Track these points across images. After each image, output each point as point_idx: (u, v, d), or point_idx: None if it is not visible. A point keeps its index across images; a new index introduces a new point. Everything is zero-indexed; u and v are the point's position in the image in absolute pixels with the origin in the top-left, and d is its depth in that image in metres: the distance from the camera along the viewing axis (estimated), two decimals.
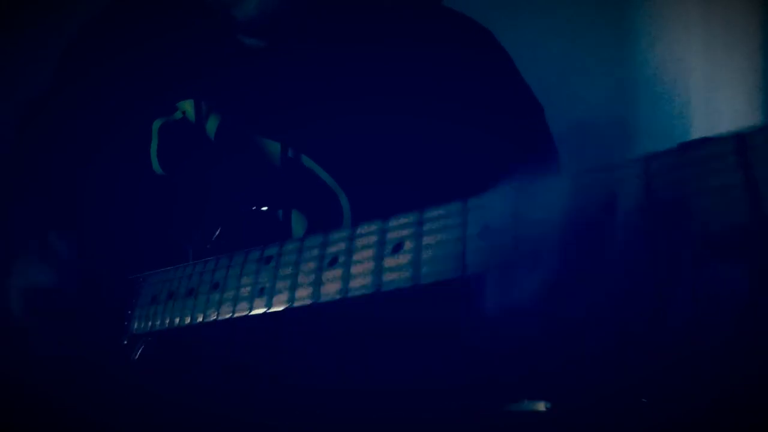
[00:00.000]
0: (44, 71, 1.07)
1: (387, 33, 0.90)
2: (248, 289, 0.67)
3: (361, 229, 0.60)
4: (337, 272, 0.60)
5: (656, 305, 0.58)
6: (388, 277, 0.57)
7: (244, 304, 0.67)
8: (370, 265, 0.58)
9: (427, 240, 0.56)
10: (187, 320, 0.73)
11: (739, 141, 0.42)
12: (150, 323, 0.78)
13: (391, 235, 0.58)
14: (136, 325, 0.80)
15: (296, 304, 0.62)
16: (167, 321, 0.76)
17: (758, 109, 1.14)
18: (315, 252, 0.63)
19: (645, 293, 0.53)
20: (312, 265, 0.62)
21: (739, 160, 0.41)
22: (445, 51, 0.89)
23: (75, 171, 0.98)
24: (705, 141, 0.44)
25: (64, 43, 1.05)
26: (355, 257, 0.59)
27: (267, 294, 0.65)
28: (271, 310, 0.64)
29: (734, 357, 0.75)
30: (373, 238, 0.59)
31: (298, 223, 0.84)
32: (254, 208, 0.85)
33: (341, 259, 0.60)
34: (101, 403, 0.80)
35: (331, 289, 0.60)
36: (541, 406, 0.68)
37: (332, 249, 0.61)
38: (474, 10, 0.95)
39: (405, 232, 0.57)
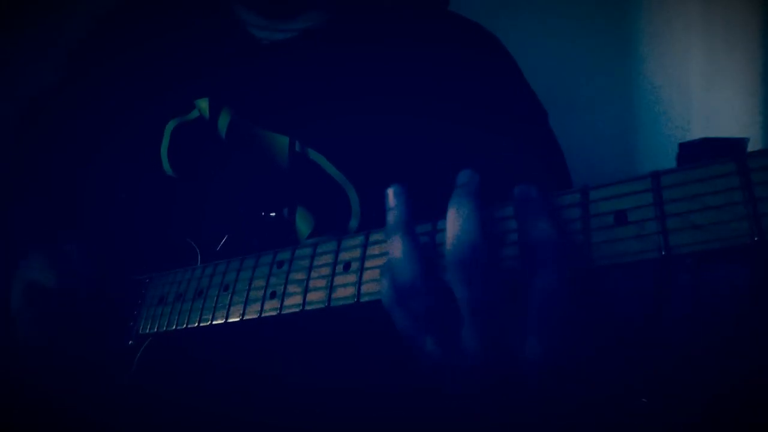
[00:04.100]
0: (44, 71, 1.07)
1: (392, 33, 0.91)
2: (260, 292, 0.68)
3: (376, 236, 0.61)
4: (351, 278, 0.61)
5: (656, 303, 0.59)
6: None
7: (255, 306, 0.67)
8: None
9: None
10: (196, 322, 0.73)
11: (741, 162, 0.43)
12: (156, 324, 0.78)
13: None
14: (141, 326, 0.80)
15: (308, 307, 0.63)
16: (175, 322, 0.76)
17: (758, 109, 1.14)
18: (328, 257, 0.63)
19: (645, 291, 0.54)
20: (325, 270, 0.63)
21: (741, 180, 0.43)
22: (450, 51, 0.89)
23: (75, 171, 0.98)
24: (705, 142, 0.46)
25: (65, 44, 1.05)
26: (369, 264, 0.60)
27: (278, 297, 0.65)
28: (283, 313, 0.64)
29: (734, 356, 0.76)
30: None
31: (303, 223, 0.84)
32: (263, 213, 0.85)
33: (354, 265, 0.61)
34: (104, 403, 0.80)
35: (343, 294, 0.61)
36: None
37: (346, 255, 0.62)
38: (476, 13, 0.95)
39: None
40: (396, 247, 0.55)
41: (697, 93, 1.19)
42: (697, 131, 1.18)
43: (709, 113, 1.18)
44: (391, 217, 0.57)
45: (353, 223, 0.84)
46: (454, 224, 0.52)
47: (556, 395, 0.56)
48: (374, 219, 0.76)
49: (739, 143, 0.46)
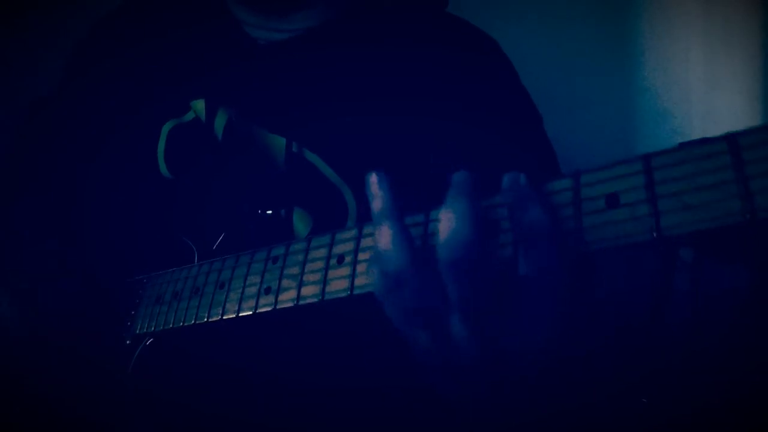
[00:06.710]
0: (44, 72, 1.07)
1: (390, 34, 0.91)
2: (255, 288, 0.68)
3: (369, 229, 0.61)
4: (344, 270, 0.60)
5: (655, 302, 0.59)
6: None
7: (250, 302, 0.68)
8: None
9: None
10: (192, 320, 0.73)
11: (732, 141, 0.43)
12: (154, 323, 0.78)
13: None
14: (139, 325, 0.80)
15: (303, 302, 0.63)
16: (172, 320, 0.76)
17: (758, 109, 1.14)
18: (322, 251, 0.63)
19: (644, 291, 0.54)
20: (319, 264, 0.63)
21: (733, 159, 0.43)
22: (448, 53, 0.90)
23: (75, 171, 0.98)
24: (704, 141, 0.46)
25: (65, 44, 1.05)
26: (362, 256, 0.60)
27: (273, 293, 0.65)
28: (278, 308, 0.64)
29: (733, 355, 0.76)
30: None
31: (300, 223, 0.84)
32: (259, 211, 0.85)
33: (348, 258, 0.61)
34: (102, 403, 0.80)
35: (337, 287, 0.61)
36: None
37: (339, 248, 0.62)
38: (476, 13, 0.95)
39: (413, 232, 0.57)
40: (385, 236, 0.54)
41: (697, 93, 1.19)
42: (697, 131, 1.18)
43: (709, 113, 1.18)
44: (378, 205, 0.55)
45: (350, 224, 0.84)
46: (448, 221, 0.52)
47: (555, 393, 0.56)
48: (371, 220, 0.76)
49: None
